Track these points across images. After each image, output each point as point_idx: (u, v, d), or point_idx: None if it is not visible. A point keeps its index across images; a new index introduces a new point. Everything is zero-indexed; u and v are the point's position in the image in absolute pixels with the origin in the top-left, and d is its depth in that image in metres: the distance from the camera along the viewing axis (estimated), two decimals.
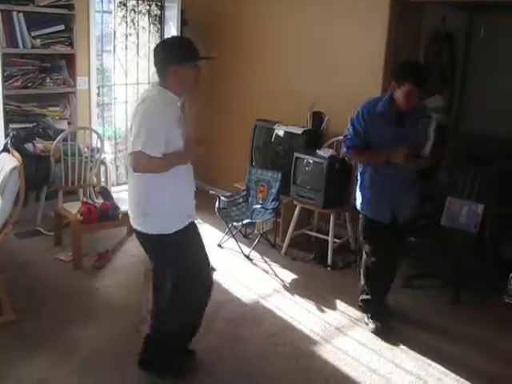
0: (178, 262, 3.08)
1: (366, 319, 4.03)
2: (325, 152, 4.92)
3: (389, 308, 4.12)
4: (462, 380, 3.41)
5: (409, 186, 3.85)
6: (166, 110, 2.89)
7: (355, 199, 4.03)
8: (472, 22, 6.55)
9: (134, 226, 3.09)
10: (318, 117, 5.42)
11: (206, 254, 3.22)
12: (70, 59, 5.64)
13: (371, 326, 3.96)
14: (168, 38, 2.92)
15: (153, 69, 6.68)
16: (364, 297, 4.08)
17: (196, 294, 3.16)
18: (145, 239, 3.10)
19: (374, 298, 4.03)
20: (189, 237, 3.08)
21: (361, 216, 3.97)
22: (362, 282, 4.07)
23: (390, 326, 3.96)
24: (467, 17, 6.50)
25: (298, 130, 5.29)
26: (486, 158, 4.59)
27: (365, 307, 4.09)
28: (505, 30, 6.22)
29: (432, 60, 5.98)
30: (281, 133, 5.41)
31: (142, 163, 2.86)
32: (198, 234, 3.19)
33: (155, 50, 3.00)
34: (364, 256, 4.00)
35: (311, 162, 4.95)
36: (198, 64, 2.96)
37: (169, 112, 2.90)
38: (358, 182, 3.95)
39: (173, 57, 2.90)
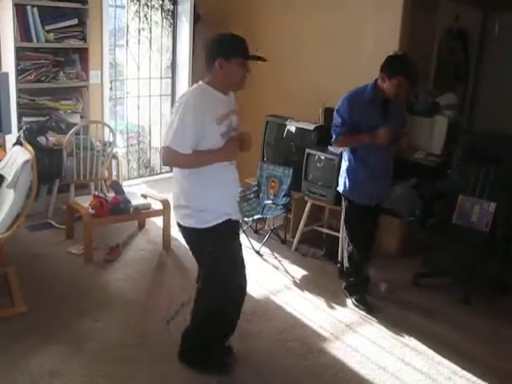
0: (209, 260, 3.12)
1: (354, 301, 4.24)
2: (336, 148, 4.90)
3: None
4: (474, 379, 3.40)
5: (387, 170, 4.20)
6: (200, 106, 2.86)
7: (339, 185, 4.23)
8: (486, 19, 6.50)
9: (176, 218, 3.15)
10: (329, 113, 5.37)
11: (239, 266, 3.19)
12: (82, 53, 5.64)
13: (362, 307, 4.17)
14: (221, 33, 3.00)
15: (165, 63, 6.75)
16: (350, 281, 4.31)
17: (216, 296, 3.17)
18: (182, 232, 3.16)
19: (359, 281, 4.29)
20: (223, 236, 3.07)
21: (345, 202, 4.20)
22: (347, 266, 4.27)
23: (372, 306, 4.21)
24: (481, 14, 6.45)
25: (310, 126, 5.28)
26: (498, 156, 4.56)
27: (351, 291, 4.31)
28: None
29: (445, 57, 5.95)
30: (292, 129, 5.41)
31: (169, 159, 2.92)
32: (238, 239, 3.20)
33: (206, 43, 3.00)
34: (347, 240, 4.23)
35: (323, 158, 4.95)
36: (246, 63, 2.92)
37: (203, 107, 2.87)
38: (346, 168, 4.12)
39: (220, 49, 2.91)
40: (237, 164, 3.16)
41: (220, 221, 3.01)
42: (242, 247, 3.24)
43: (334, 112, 4.04)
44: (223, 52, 2.89)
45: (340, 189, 4.21)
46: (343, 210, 4.28)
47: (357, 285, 4.28)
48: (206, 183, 2.98)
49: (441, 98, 5.45)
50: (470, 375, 3.43)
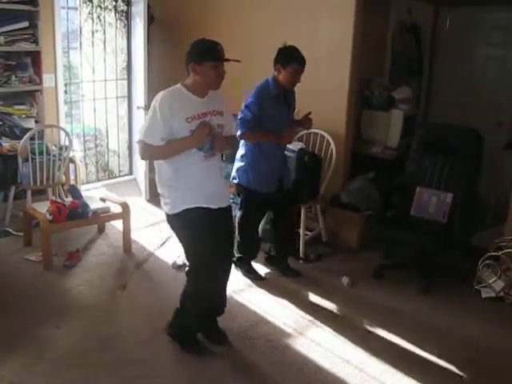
0: (188, 243, 3.36)
1: (243, 273, 4.60)
2: (294, 145, 4.91)
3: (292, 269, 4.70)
4: (436, 369, 3.45)
5: (285, 158, 4.52)
6: (167, 103, 3.11)
7: (237, 177, 4.41)
8: (438, 13, 6.62)
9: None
10: None
11: (222, 248, 3.38)
12: (35, 56, 5.53)
13: (252, 276, 4.57)
14: (196, 39, 3.29)
15: (120, 65, 6.68)
16: (239, 256, 4.59)
17: (201, 279, 3.38)
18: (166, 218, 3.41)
19: (248, 256, 4.64)
20: (195, 222, 3.24)
21: (245, 191, 4.40)
22: (240, 243, 4.53)
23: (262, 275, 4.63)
24: (433, 9, 6.57)
25: None
26: (453, 147, 4.64)
27: (240, 264, 4.60)
28: (469, 21, 6.31)
29: (399, 51, 6.03)
30: None
31: (143, 152, 3.22)
32: (214, 224, 3.28)
33: None
34: (243, 222, 4.49)
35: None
36: (217, 66, 3.14)
37: (170, 105, 3.11)
38: (245, 159, 4.33)
39: (192, 54, 3.17)
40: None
41: (184, 207, 3.23)
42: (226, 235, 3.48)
43: (243, 106, 4.21)
44: (195, 56, 3.15)
45: (241, 181, 4.37)
46: (243, 199, 4.45)
47: (245, 259, 4.60)
48: (174, 174, 3.23)
49: (396, 92, 5.53)
50: (432, 365, 3.48)
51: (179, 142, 3.14)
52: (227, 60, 3.17)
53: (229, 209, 3.48)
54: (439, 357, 3.56)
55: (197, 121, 3.16)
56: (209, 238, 3.25)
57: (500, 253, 4.42)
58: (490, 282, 4.38)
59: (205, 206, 3.26)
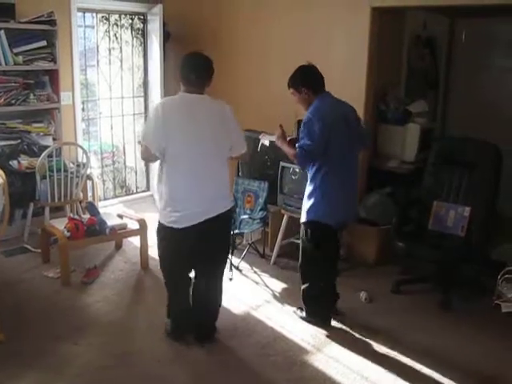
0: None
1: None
2: None
3: None
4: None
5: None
6: None
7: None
8: (454, 26, 6.61)
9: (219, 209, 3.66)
10: None
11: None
12: (53, 75, 5.59)
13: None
14: None
15: (137, 82, 6.72)
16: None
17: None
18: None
19: None
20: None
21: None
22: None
23: None
24: (448, 21, 6.56)
25: None
26: (471, 161, 4.61)
27: None
28: (486, 33, 6.29)
29: (415, 65, 6.02)
30: (266, 142, 5.39)
31: None
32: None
33: None
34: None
35: (297, 170, 4.96)
36: None
37: None
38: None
39: None
40: None
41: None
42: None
43: None
44: None
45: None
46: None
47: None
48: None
49: (412, 105, 5.52)
50: (452, 381, 3.42)
51: None
52: None
53: None
54: (461, 372, 3.51)
55: None
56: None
57: None
58: (510, 296, 4.32)
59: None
